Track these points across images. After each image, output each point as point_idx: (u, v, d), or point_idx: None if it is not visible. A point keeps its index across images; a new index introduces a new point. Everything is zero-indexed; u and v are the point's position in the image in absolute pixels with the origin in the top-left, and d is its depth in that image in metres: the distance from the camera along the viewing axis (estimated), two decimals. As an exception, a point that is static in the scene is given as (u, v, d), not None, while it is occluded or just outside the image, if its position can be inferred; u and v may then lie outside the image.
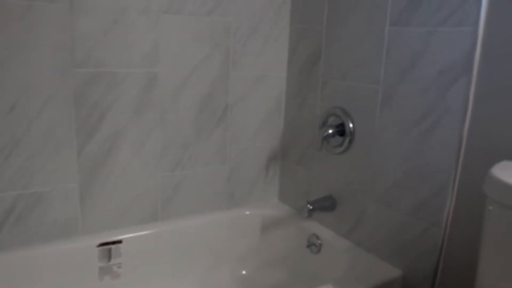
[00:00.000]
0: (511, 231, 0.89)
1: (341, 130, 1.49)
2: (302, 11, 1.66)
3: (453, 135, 1.18)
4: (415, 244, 1.31)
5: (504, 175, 0.91)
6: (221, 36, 1.57)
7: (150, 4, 1.41)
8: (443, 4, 1.16)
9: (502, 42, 1.06)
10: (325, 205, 1.58)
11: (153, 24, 1.43)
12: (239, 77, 1.65)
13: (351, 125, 1.47)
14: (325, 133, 1.47)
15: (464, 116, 1.15)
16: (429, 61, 1.22)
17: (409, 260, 1.33)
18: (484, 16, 1.09)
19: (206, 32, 1.54)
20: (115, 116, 1.43)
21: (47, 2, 1.25)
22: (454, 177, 1.19)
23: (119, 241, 1.48)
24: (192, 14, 1.49)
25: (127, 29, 1.39)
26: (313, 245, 1.59)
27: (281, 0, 1.68)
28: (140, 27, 1.41)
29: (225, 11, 1.56)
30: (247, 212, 1.77)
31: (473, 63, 1.12)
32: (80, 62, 1.33)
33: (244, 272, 1.78)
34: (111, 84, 1.40)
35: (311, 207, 1.54)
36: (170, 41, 1.48)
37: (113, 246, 1.47)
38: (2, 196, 1.30)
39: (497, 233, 0.93)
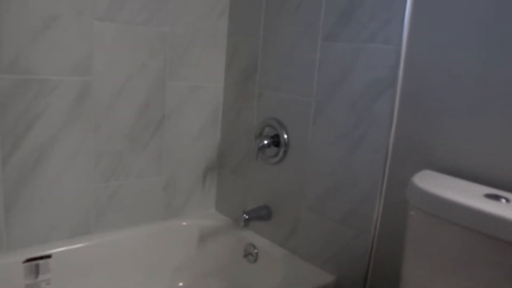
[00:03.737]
0: (430, 234, 0.96)
1: (276, 141, 1.53)
2: (239, 24, 1.69)
3: (379, 145, 1.25)
4: (346, 250, 1.36)
5: (424, 183, 0.98)
6: (158, 46, 1.57)
7: (83, 10, 1.37)
8: (370, 23, 1.24)
9: (422, 59, 1.14)
10: (261, 215, 1.60)
11: (86, 31, 1.39)
12: (176, 87, 1.65)
13: (285, 136, 1.51)
14: (261, 144, 1.50)
15: (389, 128, 1.22)
16: (357, 75, 1.28)
17: (342, 266, 1.38)
18: (406, 35, 1.17)
19: (142, 41, 1.52)
20: (45, 125, 1.37)
21: (-30, 4, 1.19)
22: (381, 185, 1.26)
23: (48, 256, 1.42)
24: (127, 22, 1.47)
25: (59, 35, 1.35)
26: (250, 254, 1.61)
27: (219, 12, 1.70)
28: (73, 34, 1.37)
29: (162, 20, 1.55)
30: (184, 223, 1.76)
31: (397, 78, 1.19)
32: (6, 68, 1.27)
33: (181, 284, 1.75)
34: (40, 92, 1.34)
35: (247, 217, 1.55)
36: (105, 49, 1.44)
37: (41, 262, 1.40)
38: None
39: (418, 236, 0.99)
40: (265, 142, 1.52)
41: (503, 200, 0.90)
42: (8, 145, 1.32)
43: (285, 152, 1.52)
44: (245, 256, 1.63)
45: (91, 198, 1.52)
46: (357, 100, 1.29)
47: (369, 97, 1.26)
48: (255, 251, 1.59)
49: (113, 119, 1.51)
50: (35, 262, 1.39)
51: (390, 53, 1.20)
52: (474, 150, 1.06)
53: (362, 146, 1.29)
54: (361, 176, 1.30)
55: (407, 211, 1.02)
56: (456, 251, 0.91)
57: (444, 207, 0.92)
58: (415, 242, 1.00)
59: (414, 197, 0.98)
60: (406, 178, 1.20)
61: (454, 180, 1.03)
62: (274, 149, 1.55)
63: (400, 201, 1.22)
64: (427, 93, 1.14)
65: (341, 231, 1.37)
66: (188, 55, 1.65)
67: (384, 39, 1.21)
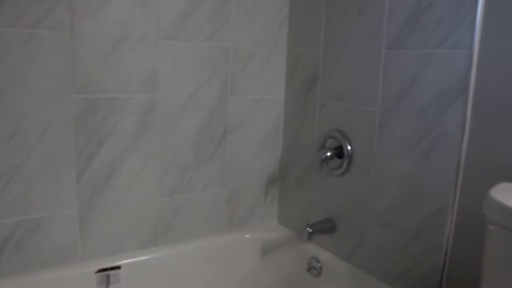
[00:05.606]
0: (511, 251, 0.89)
1: (339, 153, 1.50)
2: (299, 35, 1.68)
3: (451, 156, 1.18)
4: (416, 266, 1.30)
5: (503, 197, 0.91)
6: (220, 61, 1.59)
7: (149, 30, 1.43)
8: (438, 28, 1.18)
9: (497, 63, 1.07)
10: (325, 228, 1.57)
11: (152, 50, 1.45)
12: (237, 101, 1.67)
13: (349, 147, 1.48)
14: (324, 156, 1.48)
15: (461, 137, 1.15)
16: (425, 83, 1.23)
17: (411, 282, 1.32)
18: (478, 38, 1.11)
19: (204, 57, 1.56)
20: (115, 141, 1.44)
21: (49, 30, 1.27)
22: (453, 198, 1.19)
23: (118, 267, 1.47)
24: (190, 39, 1.51)
25: (126, 55, 1.41)
26: (314, 268, 1.58)
27: (278, 25, 1.70)
28: (139, 53, 1.43)
29: (223, 36, 1.58)
30: (247, 236, 1.76)
31: (469, 85, 1.13)
32: (80, 89, 1.35)
33: (244, 296, 1.76)
34: (111, 110, 1.41)
35: (310, 230, 1.53)
36: (169, 66, 1.49)
37: (111, 272, 1.46)
38: (1, 222, 1.30)
39: (498, 253, 0.92)
40: (328, 154, 1.49)
41: None
42: (82, 161, 1.39)
43: (349, 163, 1.49)
44: (309, 270, 1.60)
45: (158, 211, 1.56)
46: (425, 110, 1.23)
47: (439, 106, 1.20)
48: (319, 265, 1.56)
49: (178, 134, 1.55)
50: (106, 273, 1.45)
51: (461, 58, 1.13)
52: (559, 160, 0.97)
53: (432, 157, 1.23)
54: (431, 189, 1.24)
55: (485, 225, 0.95)
56: (542, 271, 0.84)
57: (527, 223, 0.85)
58: (495, 259, 0.93)
59: (493, 212, 0.91)
60: (481, 190, 1.13)
61: (538, 194, 0.95)
62: (337, 161, 1.52)
63: (475, 214, 1.15)
64: (503, 100, 1.07)
65: (411, 246, 1.31)
66: (249, 69, 1.67)
67: (454, 44, 1.15)
